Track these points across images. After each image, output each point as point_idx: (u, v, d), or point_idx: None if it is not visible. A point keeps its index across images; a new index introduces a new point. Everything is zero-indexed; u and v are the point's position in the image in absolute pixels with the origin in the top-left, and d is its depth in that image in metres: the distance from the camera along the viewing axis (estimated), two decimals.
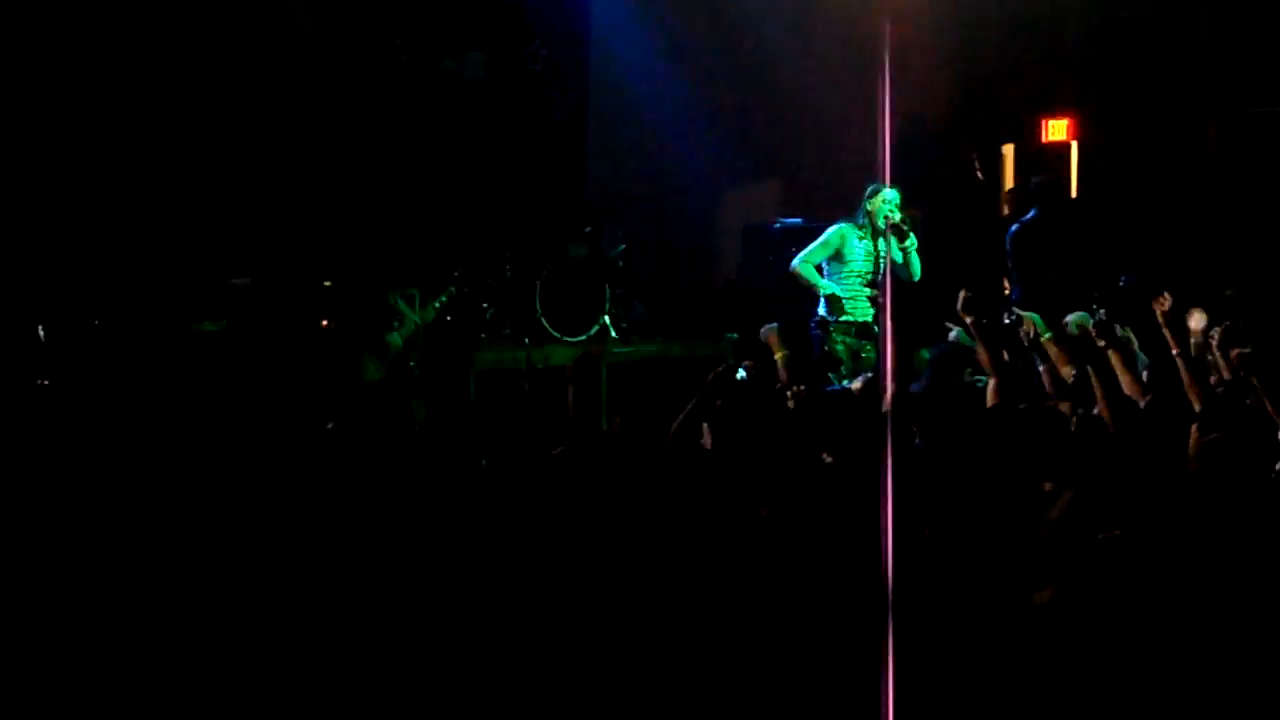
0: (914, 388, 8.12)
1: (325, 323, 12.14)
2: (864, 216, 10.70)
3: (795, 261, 10.94)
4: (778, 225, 13.55)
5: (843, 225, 10.78)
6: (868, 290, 10.57)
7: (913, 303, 10.77)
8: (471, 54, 14.46)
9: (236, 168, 13.27)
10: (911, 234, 10.68)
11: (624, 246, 13.32)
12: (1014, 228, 11.78)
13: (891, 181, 11.01)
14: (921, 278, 10.84)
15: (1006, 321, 11.67)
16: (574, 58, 14.80)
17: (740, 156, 14.57)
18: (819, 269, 10.77)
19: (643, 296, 13.62)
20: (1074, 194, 13.49)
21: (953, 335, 8.86)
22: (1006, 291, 12.32)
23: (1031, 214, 11.78)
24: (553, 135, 14.67)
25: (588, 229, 13.07)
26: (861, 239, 10.65)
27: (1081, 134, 13.74)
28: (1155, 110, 13.52)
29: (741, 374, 7.29)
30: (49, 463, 6.50)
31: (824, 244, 10.82)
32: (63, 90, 12.62)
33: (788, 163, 14.52)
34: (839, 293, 10.63)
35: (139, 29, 12.87)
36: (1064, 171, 13.58)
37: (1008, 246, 11.72)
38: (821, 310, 10.78)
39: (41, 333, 10.51)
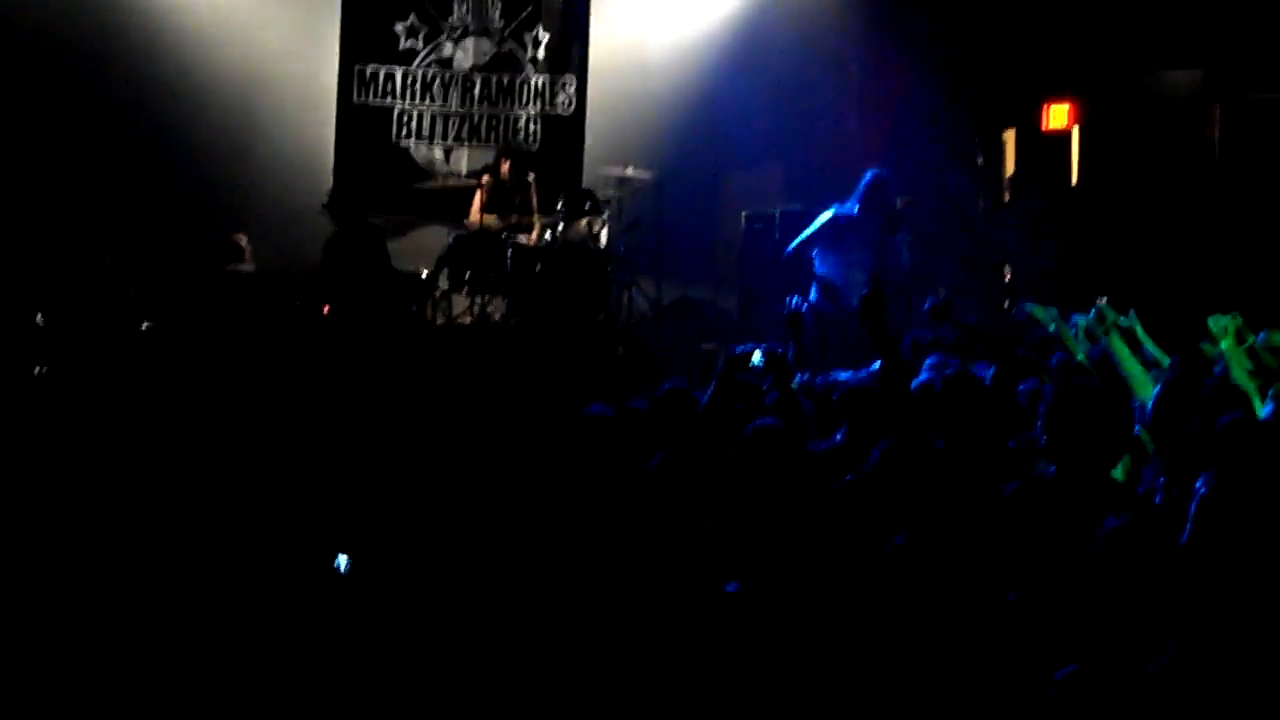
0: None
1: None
2: (857, 203, 10.67)
3: (790, 247, 10.94)
4: (779, 212, 13.53)
5: (836, 211, 10.75)
6: (862, 276, 10.52)
7: (904, 291, 10.76)
8: (471, 39, 14.45)
9: (241, 155, 13.34)
10: (905, 223, 10.70)
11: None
12: (1010, 215, 11.80)
13: (890, 168, 11.02)
14: (912, 266, 10.83)
15: (1005, 307, 11.70)
16: (575, 44, 14.76)
17: (741, 143, 14.53)
18: (812, 256, 10.76)
19: (641, 281, 13.60)
20: (1074, 180, 13.45)
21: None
22: (1007, 279, 12.31)
23: (1028, 201, 11.79)
24: (553, 122, 14.64)
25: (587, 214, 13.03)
26: (855, 226, 10.62)
27: (1083, 119, 13.68)
28: (1157, 95, 13.47)
29: (758, 358, 7.20)
30: (47, 450, 6.49)
31: (817, 230, 10.80)
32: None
33: (789, 149, 14.48)
34: (833, 279, 10.60)
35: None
36: (1065, 157, 13.53)
37: (1005, 234, 11.73)
38: (813, 297, 10.73)
39: (40, 319, 10.50)
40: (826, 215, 10.79)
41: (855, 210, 10.59)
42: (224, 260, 12.41)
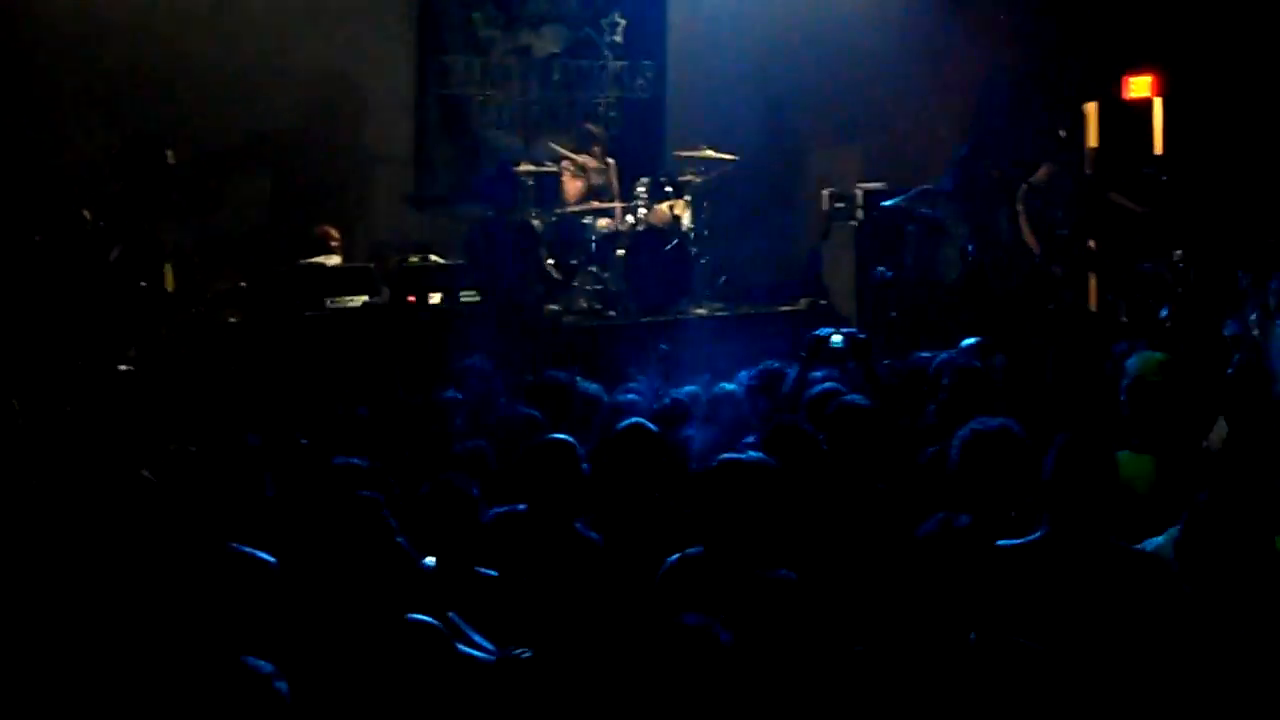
0: None
1: None
2: (950, 179, 10.72)
3: (889, 201, 11.05)
4: (861, 190, 13.51)
5: (932, 185, 10.85)
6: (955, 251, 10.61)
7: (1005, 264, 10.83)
8: (548, 26, 14.48)
9: (324, 148, 13.33)
10: (1003, 197, 10.79)
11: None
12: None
13: (973, 143, 11.05)
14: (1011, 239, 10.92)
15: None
16: (653, 28, 14.78)
17: (821, 122, 14.52)
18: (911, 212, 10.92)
19: (725, 263, 13.61)
20: (1159, 150, 13.40)
21: None
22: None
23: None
24: (633, 106, 14.68)
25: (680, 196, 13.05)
26: (949, 200, 10.68)
27: (1165, 90, 13.59)
28: (1239, 64, 13.34)
29: (838, 340, 7.25)
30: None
31: (914, 193, 10.92)
32: None
33: (869, 127, 14.46)
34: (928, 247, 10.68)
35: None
36: (1147, 128, 13.46)
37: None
38: (908, 261, 10.88)
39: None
40: (923, 187, 10.92)
41: (949, 186, 10.64)
42: (311, 252, 12.44)
